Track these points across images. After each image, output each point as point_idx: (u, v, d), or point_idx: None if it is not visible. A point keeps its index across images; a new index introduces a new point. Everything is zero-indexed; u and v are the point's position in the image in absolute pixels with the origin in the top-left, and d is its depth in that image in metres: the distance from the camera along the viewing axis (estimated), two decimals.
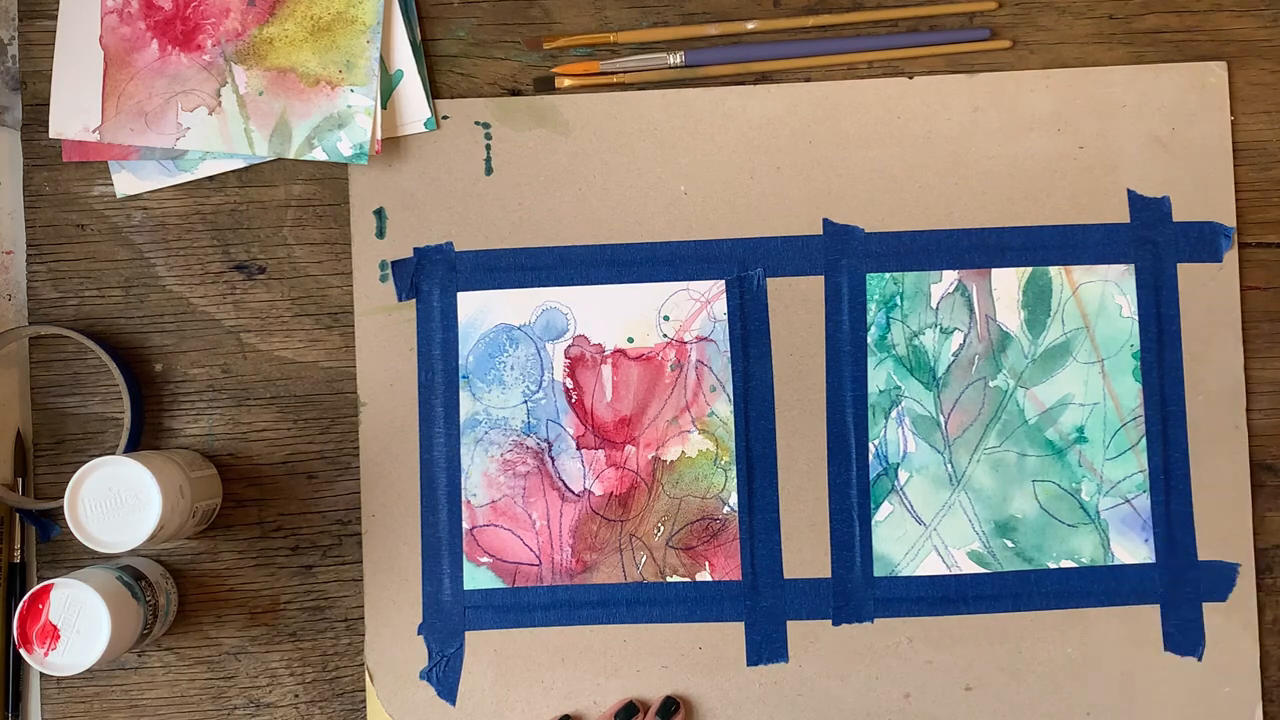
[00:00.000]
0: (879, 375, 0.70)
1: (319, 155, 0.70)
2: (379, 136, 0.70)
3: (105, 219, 0.70)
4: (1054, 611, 0.69)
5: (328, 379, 0.70)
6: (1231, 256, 0.70)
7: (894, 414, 0.70)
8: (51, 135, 0.70)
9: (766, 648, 0.69)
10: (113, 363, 0.68)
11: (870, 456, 0.69)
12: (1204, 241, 0.70)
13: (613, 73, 0.71)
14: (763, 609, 0.69)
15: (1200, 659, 0.69)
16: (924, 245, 0.70)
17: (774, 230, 0.70)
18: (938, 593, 0.69)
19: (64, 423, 0.69)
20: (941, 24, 0.71)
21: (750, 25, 0.71)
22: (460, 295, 0.70)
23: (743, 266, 0.70)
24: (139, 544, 0.62)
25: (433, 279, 0.70)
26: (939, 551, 0.69)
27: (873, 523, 0.69)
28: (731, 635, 0.69)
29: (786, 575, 0.69)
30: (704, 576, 0.69)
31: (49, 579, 0.63)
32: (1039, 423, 0.70)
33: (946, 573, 0.69)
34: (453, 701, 0.69)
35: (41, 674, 0.69)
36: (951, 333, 0.70)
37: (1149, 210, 0.70)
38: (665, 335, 0.70)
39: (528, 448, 0.70)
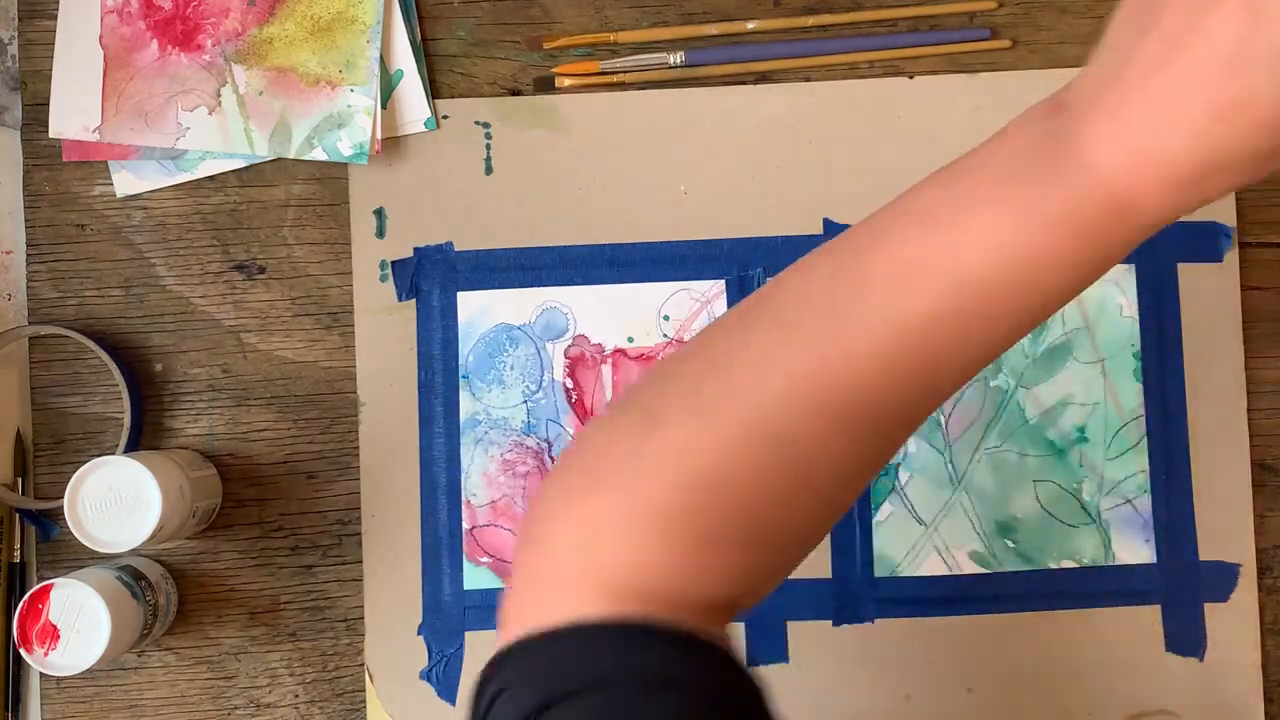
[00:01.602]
0: None
1: (319, 155, 0.69)
2: (379, 136, 0.70)
3: (105, 219, 0.70)
4: (1055, 612, 0.69)
5: (328, 379, 0.70)
6: (1232, 256, 0.70)
7: None
8: (51, 135, 0.70)
9: (766, 648, 0.69)
10: (113, 363, 0.68)
11: None
12: (1204, 241, 0.70)
13: (613, 73, 0.71)
14: (762, 609, 0.69)
15: (1202, 659, 0.69)
16: None
17: (774, 230, 0.70)
18: (939, 593, 0.69)
19: (64, 423, 0.69)
20: (941, 24, 0.71)
21: (750, 25, 0.71)
22: (460, 295, 0.70)
23: (743, 266, 0.70)
24: (139, 544, 0.62)
25: (433, 279, 0.70)
26: (940, 552, 0.69)
27: (873, 523, 0.69)
28: (731, 635, 0.69)
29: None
30: None
31: (49, 579, 0.63)
32: (1040, 423, 0.70)
33: (947, 573, 0.69)
34: (453, 701, 0.69)
35: (41, 674, 0.69)
36: None
37: None
38: (665, 335, 0.70)
39: (528, 448, 0.69)
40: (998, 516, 0.69)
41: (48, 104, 0.70)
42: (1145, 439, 0.69)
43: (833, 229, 0.70)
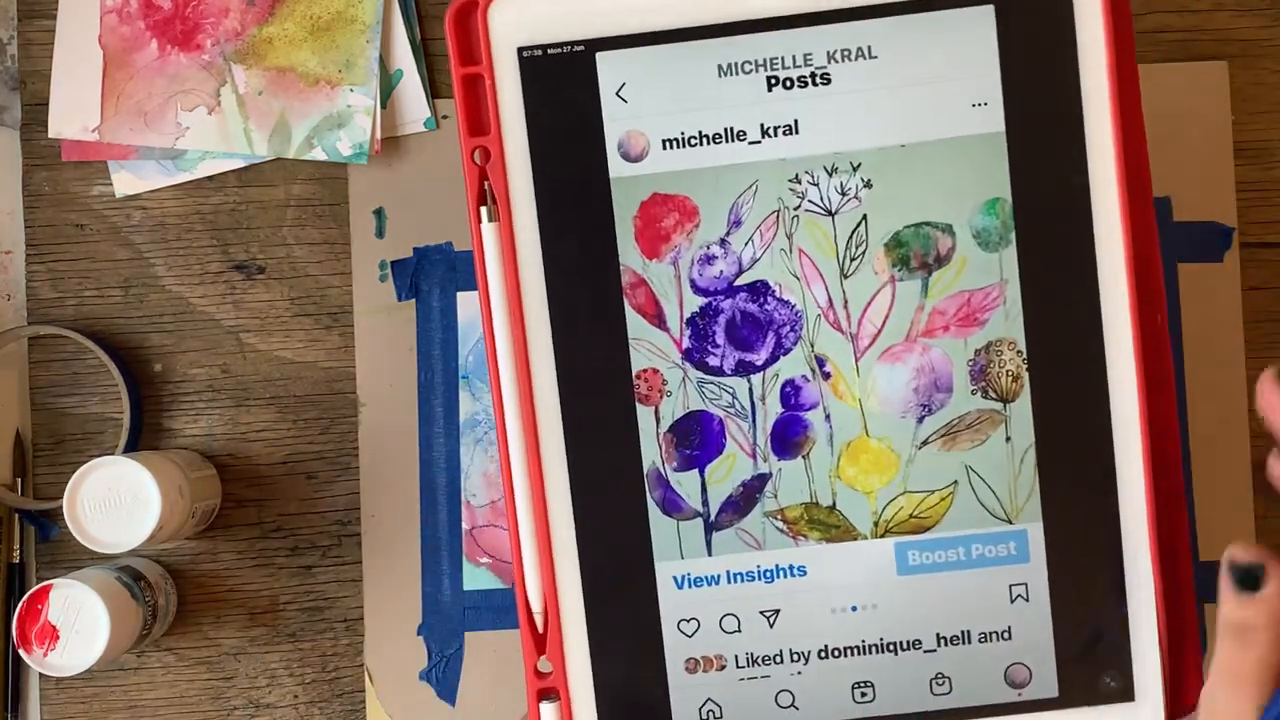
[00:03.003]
0: None
1: (319, 155, 0.69)
2: (379, 136, 0.70)
3: (105, 219, 0.70)
4: None
5: (327, 379, 0.70)
6: (1232, 256, 0.70)
7: None
8: (50, 135, 0.70)
9: None
10: (112, 363, 0.68)
11: None
12: (1204, 241, 0.70)
13: None
14: None
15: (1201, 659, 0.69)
16: None
17: None
18: None
19: (63, 423, 0.69)
20: None
21: None
22: (460, 295, 0.70)
23: None
24: (138, 544, 0.62)
25: (432, 279, 0.70)
26: None
27: None
28: None
29: None
30: None
31: (48, 579, 0.63)
32: None
33: None
34: (453, 702, 0.69)
35: (40, 674, 0.69)
36: None
37: None
38: None
39: None
40: None
41: (47, 104, 0.70)
42: None
43: None
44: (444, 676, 0.69)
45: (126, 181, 0.70)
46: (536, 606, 0.52)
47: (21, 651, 0.62)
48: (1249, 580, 0.47)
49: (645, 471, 0.52)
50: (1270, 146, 0.71)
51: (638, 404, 0.52)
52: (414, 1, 0.71)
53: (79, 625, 0.62)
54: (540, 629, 0.52)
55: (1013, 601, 0.52)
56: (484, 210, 0.51)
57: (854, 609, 0.52)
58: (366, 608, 0.69)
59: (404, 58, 0.70)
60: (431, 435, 0.70)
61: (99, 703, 0.69)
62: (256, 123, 0.70)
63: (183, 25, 0.70)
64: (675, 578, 0.52)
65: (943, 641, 0.52)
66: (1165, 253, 0.70)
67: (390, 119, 0.70)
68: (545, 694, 0.52)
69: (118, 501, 0.62)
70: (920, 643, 0.52)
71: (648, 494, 0.52)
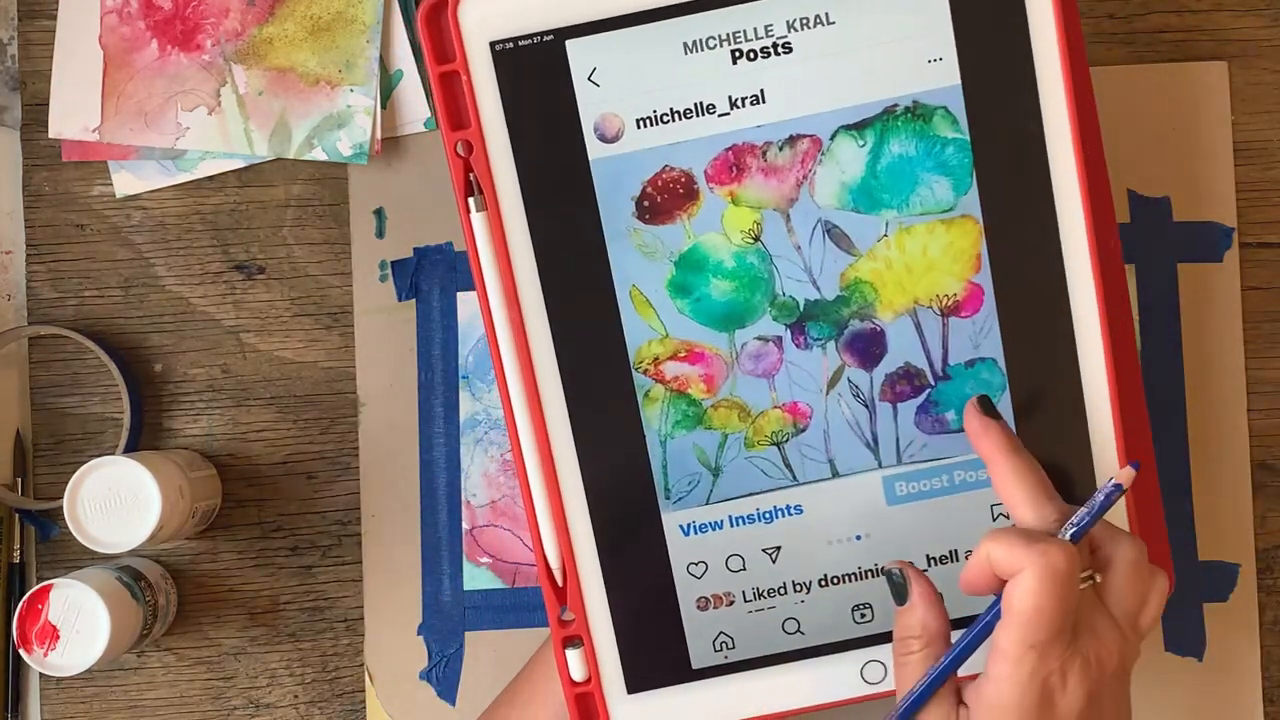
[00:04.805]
0: None
1: (319, 155, 0.69)
2: (379, 136, 0.70)
3: (105, 219, 0.70)
4: None
5: (327, 379, 0.70)
6: (1231, 256, 0.70)
7: None
8: (51, 135, 0.70)
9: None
10: (112, 363, 0.68)
11: None
12: (1204, 241, 0.70)
13: None
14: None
15: (1201, 659, 0.69)
16: None
17: None
18: None
19: (63, 423, 0.69)
20: None
21: None
22: (460, 295, 0.70)
23: None
24: (139, 544, 0.62)
25: (432, 279, 0.70)
26: None
27: None
28: None
29: None
30: None
31: (48, 579, 0.63)
32: None
33: None
34: (453, 702, 0.69)
35: (41, 674, 0.69)
36: None
37: (1149, 210, 0.70)
38: None
39: None
40: None
41: (47, 104, 0.70)
42: None
43: None
44: (444, 676, 0.69)
45: (126, 181, 0.70)
46: (555, 564, 0.55)
47: (21, 651, 0.62)
48: (898, 592, 0.51)
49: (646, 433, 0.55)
50: (1270, 146, 0.71)
51: (633, 370, 0.55)
52: (414, 1, 0.71)
53: (79, 625, 0.62)
54: (560, 583, 0.55)
55: (994, 520, 0.55)
56: (471, 201, 0.53)
57: (849, 540, 0.55)
58: (366, 608, 0.69)
59: (404, 58, 0.70)
60: (431, 435, 0.70)
61: (99, 703, 0.69)
62: (257, 123, 0.70)
63: (183, 25, 0.70)
64: (681, 526, 0.55)
65: (932, 562, 0.55)
66: (1165, 253, 0.70)
67: (390, 119, 0.70)
68: (569, 641, 0.55)
69: (118, 501, 0.62)
70: (912, 565, 0.56)
71: (650, 454, 0.55)
